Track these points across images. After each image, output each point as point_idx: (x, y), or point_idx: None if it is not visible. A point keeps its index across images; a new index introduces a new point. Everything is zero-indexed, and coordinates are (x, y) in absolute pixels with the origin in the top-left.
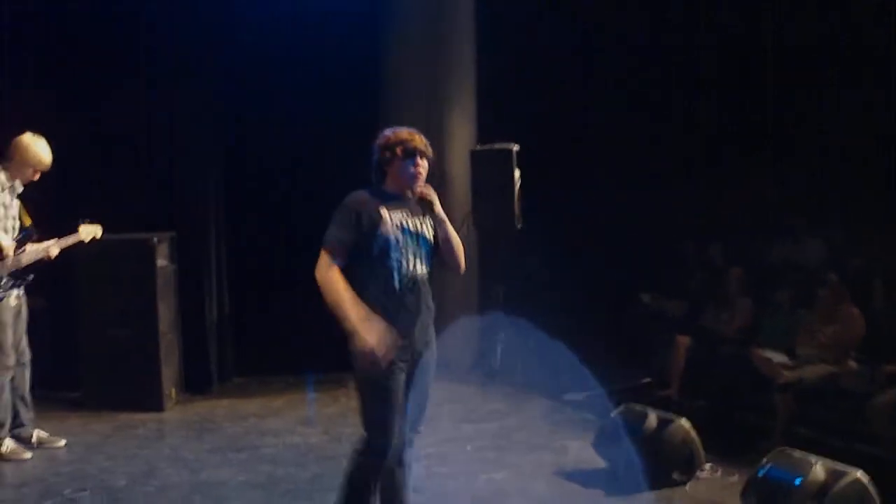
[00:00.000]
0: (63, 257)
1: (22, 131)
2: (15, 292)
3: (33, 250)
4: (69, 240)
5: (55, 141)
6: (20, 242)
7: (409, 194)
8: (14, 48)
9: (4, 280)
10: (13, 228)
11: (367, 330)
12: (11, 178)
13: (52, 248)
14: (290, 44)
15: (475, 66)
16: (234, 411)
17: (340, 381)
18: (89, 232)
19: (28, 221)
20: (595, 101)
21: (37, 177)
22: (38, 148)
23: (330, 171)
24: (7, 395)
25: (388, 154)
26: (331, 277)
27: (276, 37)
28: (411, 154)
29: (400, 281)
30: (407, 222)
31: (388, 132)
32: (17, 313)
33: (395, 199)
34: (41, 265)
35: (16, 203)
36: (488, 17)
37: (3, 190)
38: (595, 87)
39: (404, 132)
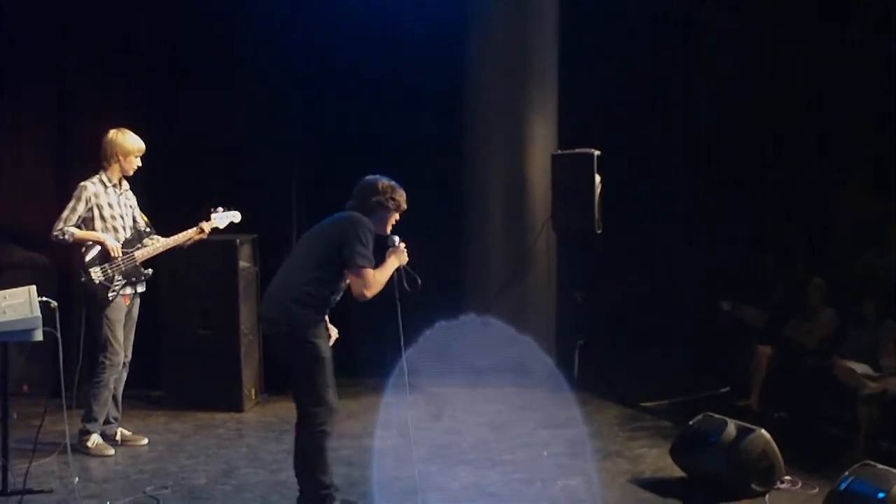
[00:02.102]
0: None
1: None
2: (128, 290)
3: (149, 249)
4: (204, 227)
5: (152, 145)
6: (132, 241)
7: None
8: (95, 48)
9: (117, 279)
10: (123, 228)
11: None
12: (111, 177)
13: (179, 238)
14: (375, 49)
15: (557, 71)
16: None
17: (416, 386)
18: (225, 218)
19: (143, 220)
20: (676, 104)
21: (135, 164)
22: (123, 138)
23: (411, 176)
24: (108, 392)
25: (391, 203)
26: (376, 279)
27: (361, 42)
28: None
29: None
30: None
31: (393, 184)
32: (129, 312)
33: None
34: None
35: (126, 202)
36: (571, 23)
37: (105, 190)
38: (676, 90)
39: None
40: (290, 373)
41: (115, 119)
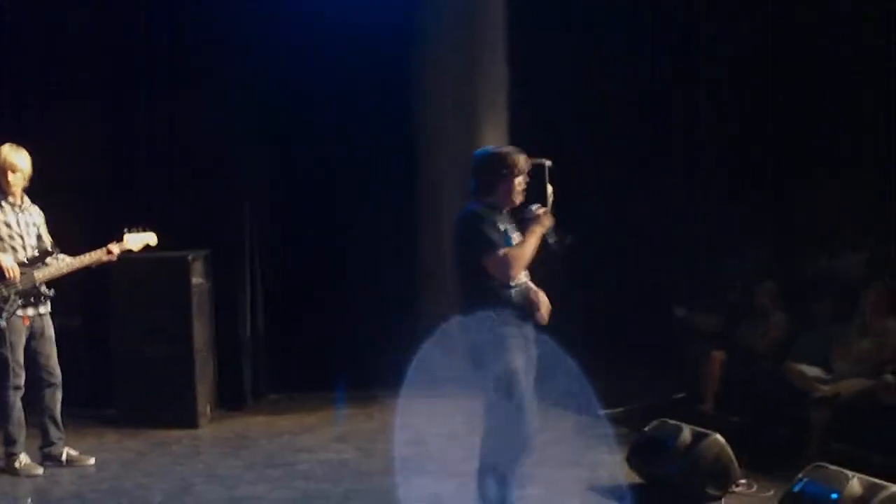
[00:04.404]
0: (97, 275)
1: (56, 142)
2: (29, 312)
3: (53, 267)
4: (114, 248)
5: (89, 155)
6: (34, 261)
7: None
8: (47, 58)
9: (12, 299)
10: (23, 247)
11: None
12: (2, 195)
13: (87, 258)
14: (326, 63)
15: (507, 81)
16: (269, 428)
17: (373, 398)
18: (139, 240)
19: (49, 239)
20: (628, 113)
21: (14, 181)
22: (5, 153)
23: (364, 189)
24: (18, 412)
25: (505, 171)
26: (509, 257)
27: (312, 57)
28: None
29: None
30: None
31: (503, 150)
32: (41, 333)
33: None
34: (68, 279)
35: (28, 220)
36: (520, 34)
37: (1, 208)
38: (628, 99)
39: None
40: None
41: (63, 131)
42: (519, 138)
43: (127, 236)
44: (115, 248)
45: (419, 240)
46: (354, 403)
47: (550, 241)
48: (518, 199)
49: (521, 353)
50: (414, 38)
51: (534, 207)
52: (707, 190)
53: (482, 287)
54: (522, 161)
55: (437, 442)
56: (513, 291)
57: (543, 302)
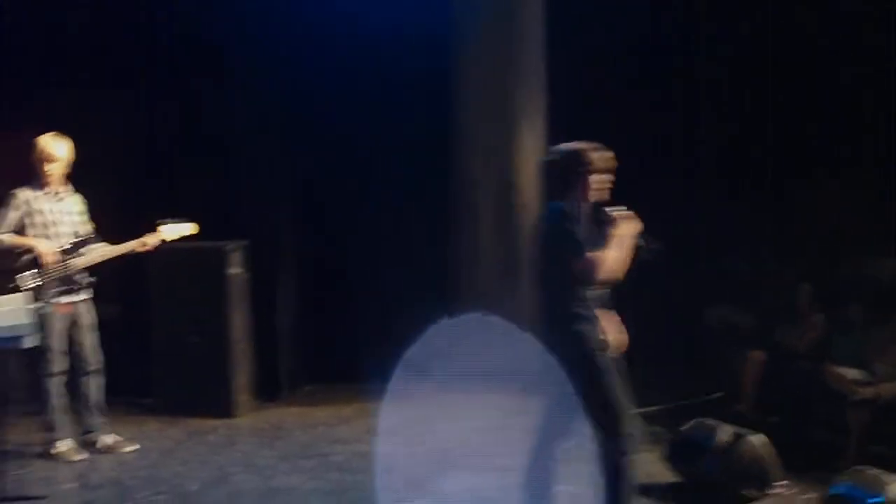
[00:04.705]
0: (136, 264)
1: (97, 133)
2: (66, 299)
3: (89, 256)
4: (148, 239)
5: (130, 149)
6: (73, 248)
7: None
8: (87, 49)
9: (51, 286)
10: (58, 235)
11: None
12: (42, 183)
13: (122, 248)
14: (365, 53)
15: (544, 78)
16: (304, 419)
17: (407, 391)
18: (176, 230)
19: (89, 227)
20: (663, 112)
21: (50, 169)
22: (45, 143)
23: (399, 181)
24: (57, 399)
25: (581, 169)
26: (599, 260)
27: (351, 46)
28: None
29: None
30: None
31: (576, 147)
32: (81, 321)
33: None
34: (107, 268)
35: (65, 209)
36: (559, 30)
37: (37, 196)
38: (664, 98)
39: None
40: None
41: (99, 124)
42: (556, 138)
43: (162, 227)
44: (150, 239)
45: (453, 235)
46: (398, 396)
47: (643, 247)
48: (596, 196)
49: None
50: (451, 36)
51: (613, 209)
52: (745, 189)
53: (566, 288)
54: (599, 158)
55: (473, 435)
56: (593, 295)
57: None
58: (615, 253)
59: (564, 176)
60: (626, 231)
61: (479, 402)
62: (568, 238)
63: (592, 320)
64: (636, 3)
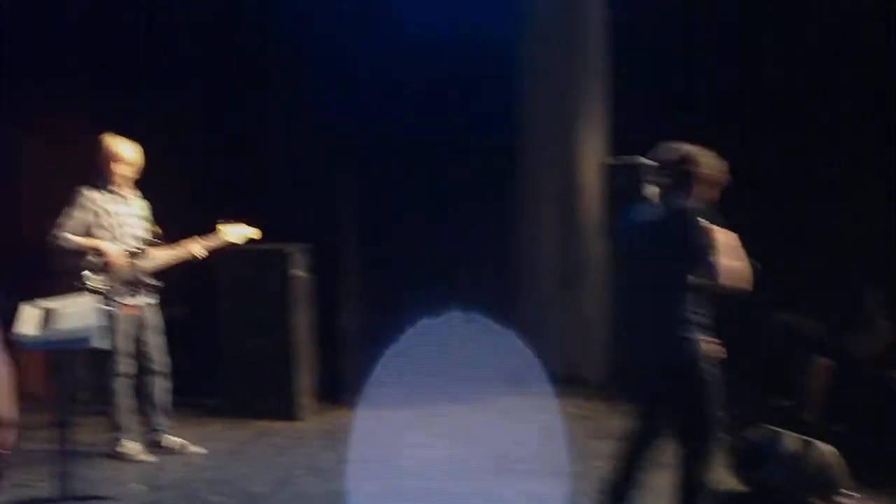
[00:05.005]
0: (200, 267)
1: (163, 135)
2: (132, 301)
3: (156, 257)
4: (209, 241)
5: (192, 152)
6: (139, 251)
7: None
8: (154, 51)
9: (118, 288)
10: (124, 237)
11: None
12: (108, 184)
13: (183, 250)
14: (426, 55)
15: (607, 79)
16: (368, 422)
17: (480, 396)
18: (238, 233)
19: (156, 230)
20: (725, 117)
21: (118, 171)
22: (110, 142)
23: (462, 183)
24: (123, 400)
25: (692, 169)
26: (725, 267)
27: (413, 47)
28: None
29: None
30: None
31: (688, 147)
32: (148, 322)
33: None
34: (173, 271)
35: (132, 211)
36: (621, 31)
37: (104, 197)
38: (725, 103)
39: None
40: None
41: (168, 124)
42: (619, 141)
43: (222, 229)
44: (212, 241)
45: (516, 240)
46: (465, 400)
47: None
48: (706, 200)
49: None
50: (514, 39)
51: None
52: (811, 193)
53: (679, 291)
54: (714, 161)
55: (538, 441)
56: (704, 301)
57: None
58: (738, 262)
59: (676, 176)
60: (729, 240)
61: (536, 405)
62: (695, 239)
63: (702, 327)
64: (699, 11)
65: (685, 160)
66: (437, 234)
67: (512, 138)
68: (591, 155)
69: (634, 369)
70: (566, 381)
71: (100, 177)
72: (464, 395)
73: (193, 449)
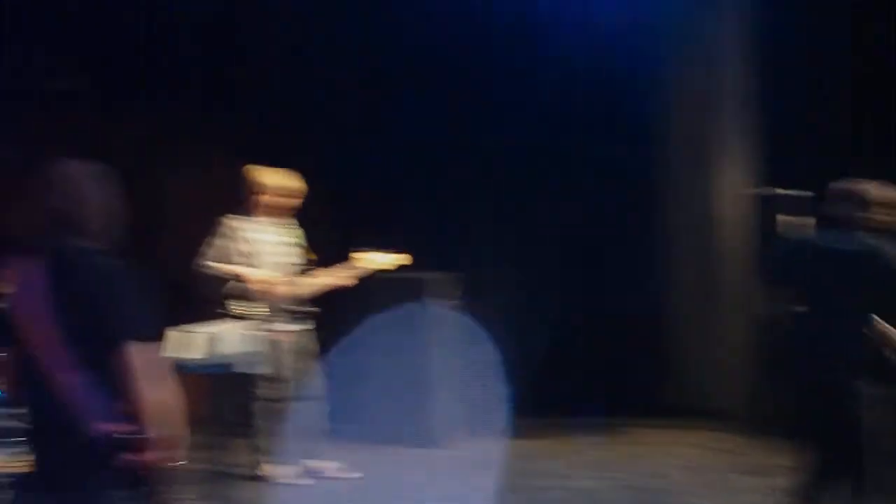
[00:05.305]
0: (343, 294)
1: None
2: (283, 327)
3: (308, 284)
4: (357, 268)
5: (342, 181)
6: (291, 277)
7: None
8: (308, 71)
9: (272, 315)
10: (272, 264)
11: None
12: (254, 212)
13: (334, 277)
14: (567, 86)
15: (744, 112)
16: (515, 451)
17: (618, 426)
18: (384, 260)
19: (309, 257)
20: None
21: (263, 201)
22: (254, 174)
23: (607, 210)
24: (274, 424)
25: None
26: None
27: (553, 82)
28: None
29: None
30: None
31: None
32: (302, 348)
33: None
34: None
35: (280, 239)
36: (762, 62)
37: (250, 226)
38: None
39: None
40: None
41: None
42: (762, 172)
43: (370, 256)
44: (361, 268)
45: (655, 270)
46: (604, 430)
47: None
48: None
49: None
50: (652, 65)
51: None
52: None
53: (862, 324)
54: (874, 192)
55: (678, 474)
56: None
57: None
58: None
59: (847, 211)
60: None
61: (676, 437)
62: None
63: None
64: (839, 38)
65: (861, 197)
66: (577, 263)
67: (651, 167)
68: (731, 186)
69: (797, 398)
70: (705, 413)
71: (243, 206)
72: (603, 425)
73: (343, 474)
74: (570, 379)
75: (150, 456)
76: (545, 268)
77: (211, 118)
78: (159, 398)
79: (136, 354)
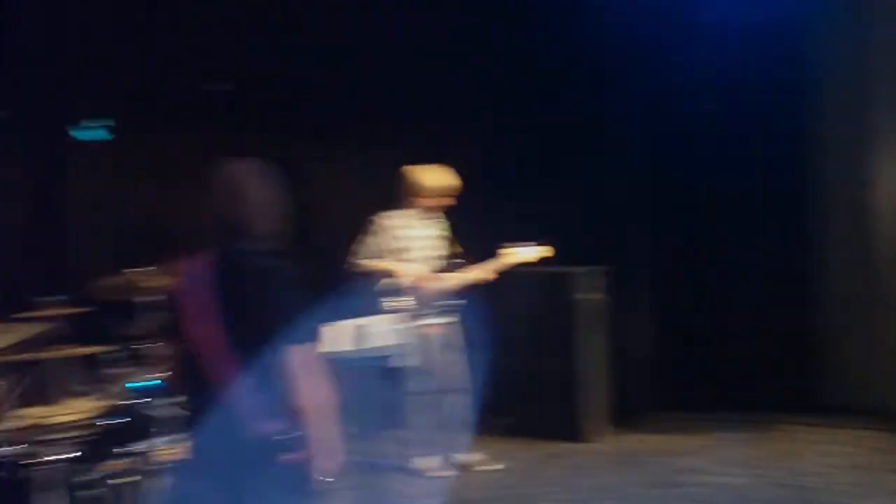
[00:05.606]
0: (490, 286)
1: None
2: (433, 320)
3: (454, 278)
4: (500, 261)
5: (487, 173)
6: (439, 271)
7: None
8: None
9: (422, 308)
10: (424, 259)
11: None
12: (410, 210)
13: (479, 270)
14: (718, 67)
15: None
16: (659, 446)
17: (765, 422)
18: (528, 253)
19: (456, 250)
20: None
21: (421, 203)
22: (417, 175)
23: (756, 206)
24: (422, 416)
25: None
26: None
27: (704, 64)
28: None
29: None
30: None
31: None
32: (449, 341)
33: None
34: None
35: (431, 234)
36: None
37: (404, 222)
38: None
39: None
40: None
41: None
42: None
43: (514, 249)
44: (507, 261)
45: (810, 265)
46: (745, 427)
47: None
48: None
49: None
50: (806, 38)
51: None
52: None
53: None
54: None
55: (831, 472)
56: None
57: None
58: None
59: None
60: None
61: (833, 436)
62: None
63: None
64: None
65: None
66: (728, 257)
67: (805, 157)
68: (891, 183)
69: None
70: (863, 412)
71: (397, 204)
72: (749, 422)
73: (488, 466)
74: (716, 375)
75: (308, 453)
76: (693, 262)
77: (366, 117)
78: (317, 396)
79: (296, 354)
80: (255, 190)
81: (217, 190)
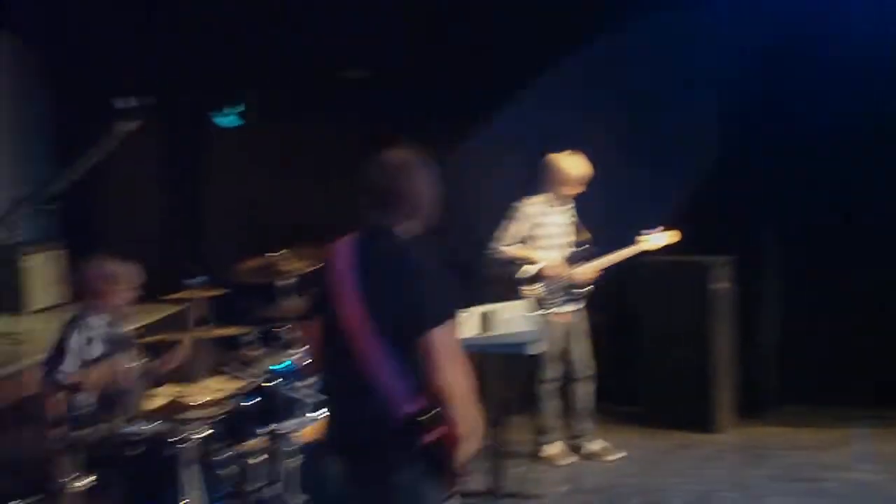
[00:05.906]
0: (621, 274)
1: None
2: (565, 308)
3: (586, 265)
4: (630, 250)
5: (615, 160)
6: (574, 258)
7: None
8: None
9: (553, 296)
10: (560, 246)
11: None
12: (550, 197)
13: (610, 257)
14: (851, 64)
15: None
16: (788, 439)
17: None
18: (661, 239)
19: (585, 237)
20: None
21: (565, 191)
22: (562, 163)
23: (886, 195)
24: (550, 403)
25: None
26: None
27: (838, 64)
28: None
29: None
30: None
31: None
32: (576, 328)
33: None
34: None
35: (566, 220)
36: None
37: (543, 209)
38: None
39: None
40: None
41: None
42: None
43: (645, 236)
44: (637, 248)
45: None
46: (874, 421)
47: None
48: None
49: None
50: None
51: None
52: None
53: None
54: None
55: None
56: None
57: None
58: None
59: None
60: None
61: None
62: None
63: None
64: None
65: None
66: (862, 252)
67: None
68: None
69: None
70: None
71: (538, 191)
72: (878, 418)
73: (614, 455)
74: (846, 368)
75: (449, 436)
76: (825, 252)
77: (508, 106)
78: (458, 379)
79: (438, 338)
80: (414, 177)
81: (375, 176)
